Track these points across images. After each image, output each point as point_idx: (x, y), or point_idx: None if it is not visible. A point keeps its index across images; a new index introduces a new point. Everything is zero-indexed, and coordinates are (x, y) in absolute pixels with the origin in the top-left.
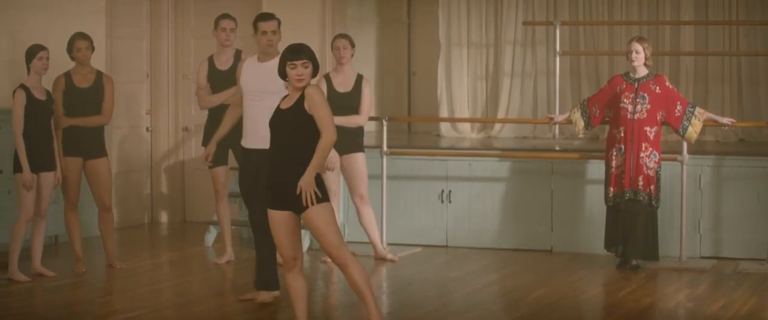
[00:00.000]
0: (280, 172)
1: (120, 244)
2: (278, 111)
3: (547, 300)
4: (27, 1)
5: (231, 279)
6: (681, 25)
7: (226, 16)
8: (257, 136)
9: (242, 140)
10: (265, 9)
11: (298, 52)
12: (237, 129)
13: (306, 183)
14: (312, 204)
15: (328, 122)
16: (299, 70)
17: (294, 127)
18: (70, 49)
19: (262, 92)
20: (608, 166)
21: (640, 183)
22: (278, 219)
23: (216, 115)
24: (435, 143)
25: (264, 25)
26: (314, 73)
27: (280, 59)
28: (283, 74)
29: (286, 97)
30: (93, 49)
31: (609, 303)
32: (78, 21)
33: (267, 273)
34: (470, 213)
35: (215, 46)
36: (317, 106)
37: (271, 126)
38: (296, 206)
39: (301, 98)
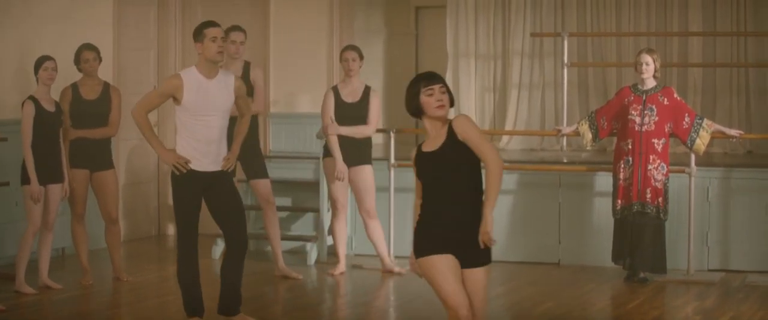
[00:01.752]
0: (452, 218)
1: (127, 257)
2: (427, 155)
3: (554, 313)
4: (36, 12)
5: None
6: (689, 36)
7: (236, 28)
8: (209, 158)
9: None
10: (274, 19)
11: (432, 77)
12: (245, 140)
13: (491, 229)
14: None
15: (487, 147)
16: (437, 95)
17: (456, 165)
18: (77, 60)
19: (214, 111)
20: (616, 179)
21: (648, 195)
22: (447, 263)
23: None
24: None
25: (213, 31)
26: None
27: (409, 90)
28: (415, 110)
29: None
30: (100, 60)
31: (617, 316)
32: (86, 32)
33: (197, 297)
34: None
35: (224, 57)
36: (470, 131)
37: (423, 174)
38: (469, 256)
39: (450, 132)
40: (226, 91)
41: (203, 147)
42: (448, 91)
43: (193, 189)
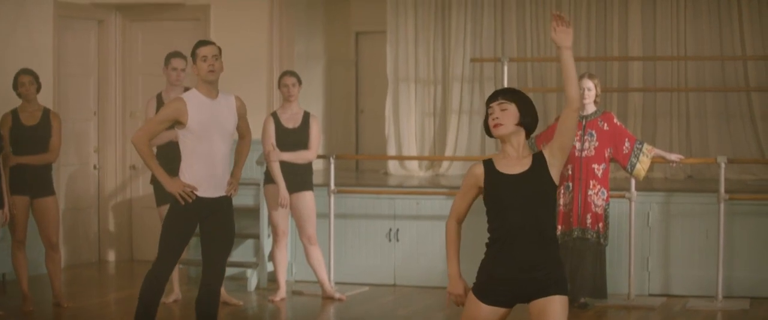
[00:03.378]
0: (528, 259)
1: (68, 283)
2: (509, 179)
3: None
4: None
5: (178, 317)
6: (629, 60)
7: (177, 54)
8: (214, 182)
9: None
10: None
11: (495, 93)
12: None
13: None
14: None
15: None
16: (495, 112)
17: (536, 194)
18: (15, 85)
19: (219, 132)
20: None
21: (589, 221)
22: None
23: (164, 153)
24: (383, 181)
25: (204, 51)
26: (525, 124)
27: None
28: (488, 130)
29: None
30: (38, 85)
31: None
32: (26, 58)
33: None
34: (418, 252)
35: (164, 83)
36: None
37: (498, 201)
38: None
39: (539, 157)
40: (229, 112)
41: (209, 171)
42: (518, 106)
43: (192, 215)
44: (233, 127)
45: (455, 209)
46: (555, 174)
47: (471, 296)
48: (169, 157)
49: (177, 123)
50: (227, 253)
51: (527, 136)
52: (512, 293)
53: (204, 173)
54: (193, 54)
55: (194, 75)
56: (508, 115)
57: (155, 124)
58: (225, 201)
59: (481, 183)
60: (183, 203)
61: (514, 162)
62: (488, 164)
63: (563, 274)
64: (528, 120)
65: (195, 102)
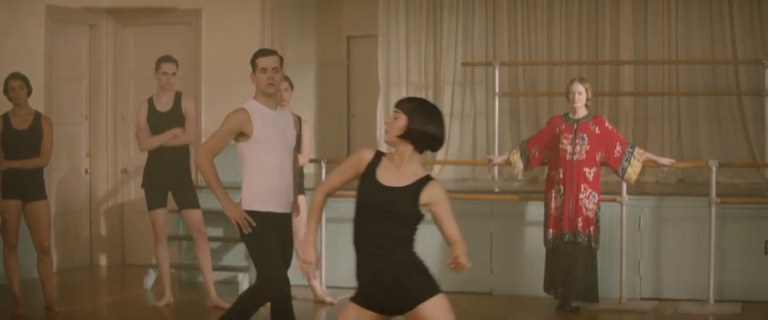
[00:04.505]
0: (380, 269)
1: (59, 287)
2: (379, 186)
3: None
4: None
5: None
6: (620, 64)
7: (167, 59)
8: (283, 197)
9: (259, 203)
10: (205, 50)
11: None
12: (177, 170)
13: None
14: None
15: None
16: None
17: (396, 214)
18: (5, 89)
19: (283, 144)
20: (547, 208)
21: (580, 224)
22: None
23: (155, 157)
24: None
25: (264, 61)
26: (411, 139)
27: None
28: None
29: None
30: (29, 89)
31: None
32: (18, 62)
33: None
34: None
35: (155, 88)
36: (444, 205)
37: (362, 200)
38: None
39: (421, 184)
40: (288, 125)
41: (277, 184)
42: (409, 120)
43: (267, 230)
44: (294, 140)
45: (328, 183)
46: (424, 209)
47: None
48: (155, 162)
49: (240, 135)
50: (287, 268)
51: (420, 151)
52: (374, 300)
53: (272, 186)
54: (253, 63)
55: (253, 83)
56: (395, 125)
57: (218, 141)
58: (289, 220)
59: (361, 171)
60: (245, 231)
61: (394, 172)
62: (376, 158)
63: (423, 279)
64: (414, 137)
65: (258, 112)
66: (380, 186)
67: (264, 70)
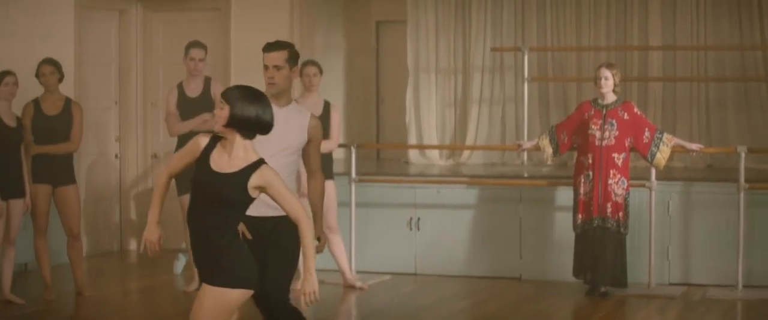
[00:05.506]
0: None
1: (89, 272)
2: (208, 171)
3: None
4: None
5: None
6: (649, 50)
7: (195, 44)
8: (262, 199)
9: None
10: (234, 35)
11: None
12: None
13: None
14: None
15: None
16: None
17: (221, 198)
18: (37, 74)
19: (274, 143)
20: (576, 193)
21: (609, 209)
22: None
23: (185, 142)
24: (403, 170)
25: (266, 58)
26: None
27: None
28: None
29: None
30: (61, 74)
31: None
32: (47, 47)
33: None
34: (439, 241)
35: (184, 73)
36: (277, 185)
37: (193, 183)
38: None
39: (250, 170)
40: (298, 127)
41: None
42: (231, 109)
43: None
44: (298, 143)
45: (172, 165)
46: (254, 192)
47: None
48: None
49: None
50: (281, 283)
51: (249, 137)
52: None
53: None
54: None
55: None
56: (220, 115)
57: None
58: (271, 223)
59: (197, 156)
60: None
61: (226, 158)
62: (211, 144)
63: (227, 265)
64: (239, 124)
65: None
66: (211, 171)
67: (266, 67)
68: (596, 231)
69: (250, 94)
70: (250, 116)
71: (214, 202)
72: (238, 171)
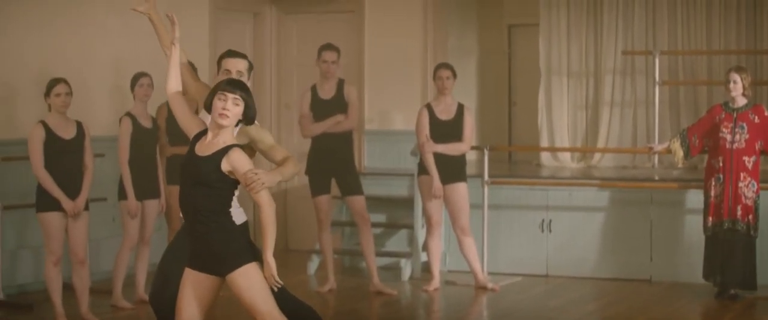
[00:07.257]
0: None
1: None
2: (192, 156)
3: None
4: (132, 28)
5: (333, 307)
6: None
7: (328, 47)
8: None
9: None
10: (368, 37)
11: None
12: (340, 157)
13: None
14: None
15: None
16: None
17: (199, 179)
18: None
19: None
20: (707, 196)
21: (739, 212)
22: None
23: (318, 143)
24: (535, 172)
25: (228, 64)
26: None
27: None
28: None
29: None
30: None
31: None
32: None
33: None
34: (570, 243)
35: (318, 75)
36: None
37: (185, 175)
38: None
39: (224, 152)
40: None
41: None
42: (245, 105)
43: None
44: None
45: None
46: (230, 175)
47: None
48: (319, 148)
49: None
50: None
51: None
52: (200, 263)
53: None
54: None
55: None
56: (235, 111)
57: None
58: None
59: (190, 123)
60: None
61: (209, 142)
62: (203, 132)
63: (235, 248)
64: (250, 115)
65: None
66: (194, 155)
67: (227, 71)
68: (726, 234)
69: (248, 88)
70: (253, 112)
71: (196, 185)
72: (212, 154)
